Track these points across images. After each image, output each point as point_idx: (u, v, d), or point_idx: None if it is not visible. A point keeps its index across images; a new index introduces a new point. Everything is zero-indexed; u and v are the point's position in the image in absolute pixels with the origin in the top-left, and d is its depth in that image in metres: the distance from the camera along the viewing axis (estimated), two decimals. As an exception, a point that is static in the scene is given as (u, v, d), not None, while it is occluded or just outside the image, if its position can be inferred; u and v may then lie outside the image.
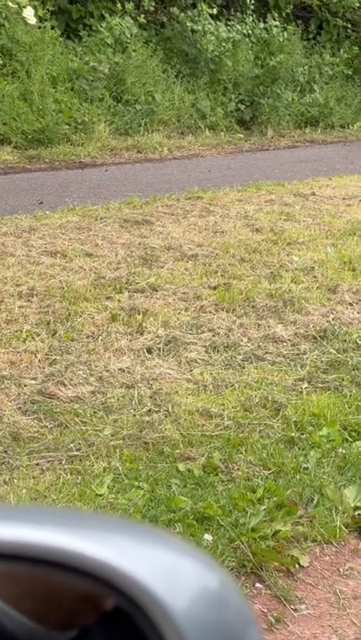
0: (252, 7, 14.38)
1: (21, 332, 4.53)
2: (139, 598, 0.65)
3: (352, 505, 3.19)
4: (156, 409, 3.82)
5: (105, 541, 0.68)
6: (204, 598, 0.69)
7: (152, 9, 13.06)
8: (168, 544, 0.74)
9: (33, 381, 4.01)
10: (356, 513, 3.17)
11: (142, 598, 0.65)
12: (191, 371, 4.24)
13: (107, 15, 12.39)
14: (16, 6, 10.28)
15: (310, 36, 15.87)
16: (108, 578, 0.65)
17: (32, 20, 10.45)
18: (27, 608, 0.69)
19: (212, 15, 13.46)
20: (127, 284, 5.33)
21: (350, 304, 5.27)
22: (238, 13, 14.45)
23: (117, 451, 3.45)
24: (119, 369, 4.19)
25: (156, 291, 5.26)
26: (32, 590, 0.68)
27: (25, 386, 3.95)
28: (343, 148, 12.39)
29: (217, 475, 3.32)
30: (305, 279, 5.66)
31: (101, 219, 6.93)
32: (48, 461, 3.37)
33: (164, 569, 0.68)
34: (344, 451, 3.58)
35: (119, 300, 5.05)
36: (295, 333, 4.76)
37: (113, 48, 12.22)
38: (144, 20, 12.80)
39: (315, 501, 3.17)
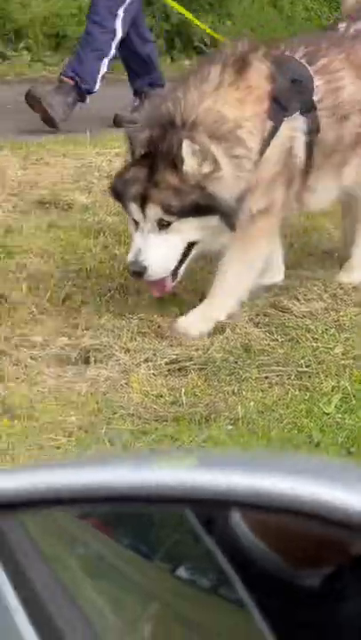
0: None
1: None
2: None
3: None
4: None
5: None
6: None
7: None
8: None
9: (266, 294, 4.00)
10: None
11: None
12: None
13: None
14: None
15: None
16: None
17: None
18: (278, 548, 0.69)
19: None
20: None
21: None
22: None
23: (347, 370, 3.41)
24: (353, 287, 4.12)
25: None
26: (284, 534, 0.68)
27: (258, 298, 3.95)
28: None
29: None
30: None
31: None
32: (277, 375, 3.38)
33: None
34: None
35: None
36: None
37: None
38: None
39: None
